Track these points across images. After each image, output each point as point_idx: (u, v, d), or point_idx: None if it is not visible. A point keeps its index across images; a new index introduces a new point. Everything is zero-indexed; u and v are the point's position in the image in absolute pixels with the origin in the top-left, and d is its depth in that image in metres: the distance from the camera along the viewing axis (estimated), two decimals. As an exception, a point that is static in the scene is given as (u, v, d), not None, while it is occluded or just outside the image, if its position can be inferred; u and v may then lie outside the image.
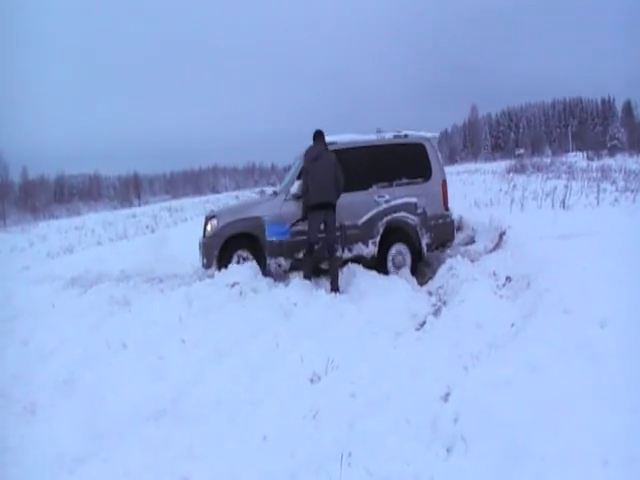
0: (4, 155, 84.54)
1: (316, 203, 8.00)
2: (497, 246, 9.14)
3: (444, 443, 3.76)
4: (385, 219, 8.81)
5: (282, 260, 8.55)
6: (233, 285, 7.39)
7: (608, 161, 38.01)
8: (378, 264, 8.80)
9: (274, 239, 8.39)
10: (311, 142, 8.32)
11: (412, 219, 8.90)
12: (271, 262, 8.50)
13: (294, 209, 8.55)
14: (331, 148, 8.28)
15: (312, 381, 4.96)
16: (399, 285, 7.97)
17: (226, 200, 35.23)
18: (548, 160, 40.76)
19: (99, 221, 33.07)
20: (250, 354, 5.48)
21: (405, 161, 9.10)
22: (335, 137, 8.52)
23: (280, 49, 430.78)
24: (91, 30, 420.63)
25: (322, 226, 8.08)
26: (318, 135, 8.31)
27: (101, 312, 7.26)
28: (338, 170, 8.00)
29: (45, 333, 6.60)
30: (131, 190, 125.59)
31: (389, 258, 8.95)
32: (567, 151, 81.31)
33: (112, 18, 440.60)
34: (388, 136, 9.23)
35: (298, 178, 8.69)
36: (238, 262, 8.40)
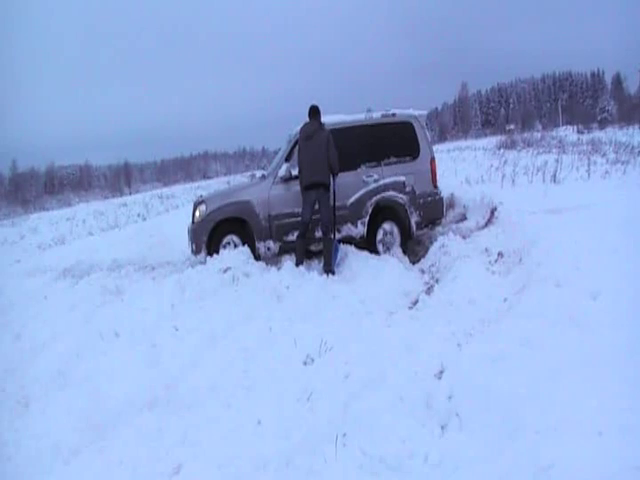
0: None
1: (307, 184, 7.95)
2: (489, 222, 9.13)
3: (439, 420, 3.77)
4: (374, 199, 8.76)
5: (271, 243, 8.50)
6: (225, 270, 7.35)
7: (598, 134, 38.16)
8: (368, 244, 8.77)
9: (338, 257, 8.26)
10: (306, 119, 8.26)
11: (401, 198, 8.86)
12: (260, 245, 8.46)
13: (282, 192, 8.50)
14: (319, 129, 8.17)
15: (306, 363, 4.94)
16: (391, 264, 7.95)
17: (217, 185, 35.06)
18: (538, 135, 40.79)
19: (90, 211, 32.93)
20: (244, 339, 5.44)
21: (393, 140, 9.04)
22: (323, 118, 8.43)
23: (269, 31, 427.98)
24: (79, 22, 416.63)
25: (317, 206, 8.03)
26: (313, 111, 8.20)
27: (93, 302, 7.21)
28: (331, 149, 7.90)
29: (38, 325, 6.57)
30: (122, 179, 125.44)
31: (378, 238, 8.91)
32: (557, 125, 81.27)
33: (99, 7, 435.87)
34: (376, 115, 9.15)
35: (286, 160, 8.64)
36: (225, 247, 8.34)
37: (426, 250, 8.79)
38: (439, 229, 9.55)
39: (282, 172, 8.47)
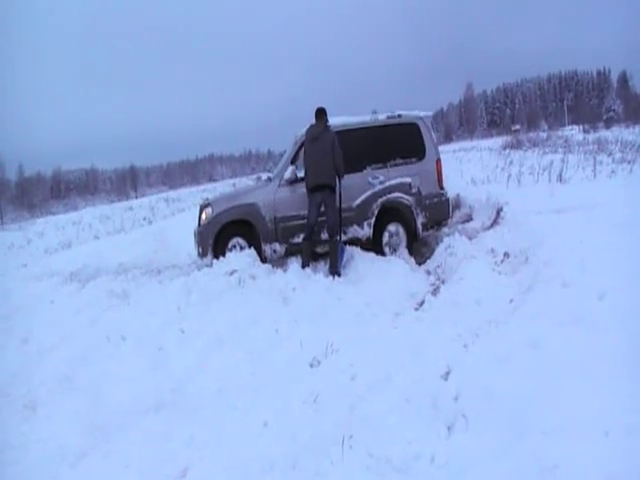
0: (0, 154, 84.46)
1: (313, 185, 7.95)
2: (495, 223, 9.10)
3: (445, 421, 3.76)
4: (380, 200, 8.75)
5: (277, 245, 8.51)
6: (231, 273, 7.35)
7: (604, 133, 38.07)
8: (374, 245, 8.76)
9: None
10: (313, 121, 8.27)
11: (407, 199, 8.85)
12: (266, 248, 8.46)
13: (288, 194, 8.51)
14: (325, 131, 8.17)
15: (312, 365, 4.95)
16: (397, 266, 7.94)
17: (223, 188, 35.10)
18: (544, 135, 40.74)
19: (96, 215, 33.09)
20: (250, 341, 5.45)
21: (399, 141, 9.03)
22: (329, 120, 8.42)
23: (274, 33, 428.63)
24: (84, 24, 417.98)
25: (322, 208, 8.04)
26: (319, 113, 8.19)
27: (100, 306, 7.22)
28: (336, 151, 7.90)
29: (44, 329, 6.58)
30: (128, 183, 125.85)
31: (384, 239, 8.89)
32: (563, 125, 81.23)
33: (103, 11, 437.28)
34: (381, 117, 9.14)
35: (292, 163, 8.64)
36: (231, 250, 8.35)
37: (432, 251, 8.77)
38: (445, 230, 9.51)
39: (288, 174, 8.47)
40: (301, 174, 8.35)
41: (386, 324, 5.92)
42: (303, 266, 7.84)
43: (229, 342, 5.50)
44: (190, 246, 9.38)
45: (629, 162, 14.52)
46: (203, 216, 8.63)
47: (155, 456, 3.73)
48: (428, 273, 8.03)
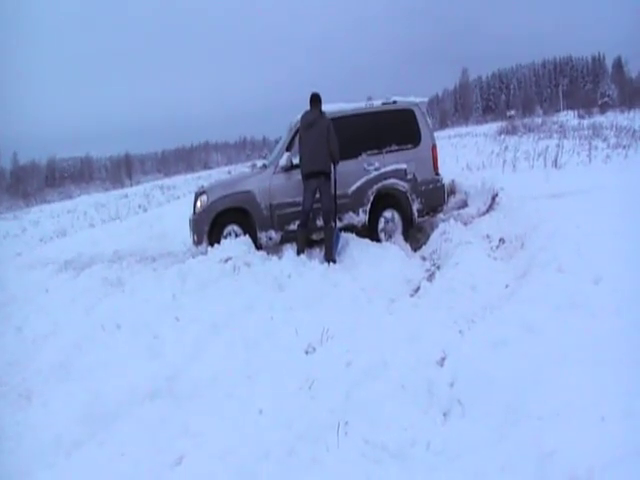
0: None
1: (308, 172, 7.92)
2: (490, 208, 9.10)
3: (441, 407, 3.77)
4: (375, 187, 8.73)
5: (273, 233, 8.48)
6: (226, 260, 7.34)
7: (599, 118, 37.96)
8: (369, 232, 8.74)
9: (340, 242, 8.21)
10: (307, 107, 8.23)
11: (402, 185, 8.83)
12: (262, 235, 8.43)
13: (283, 181, 8.48)
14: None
15: (307, 352, 4.95)
16: (392, 252, 7.93)
17: (218, 176, 34.94)
18: (539, 120, 40.56)
19: (91, 203, 32.92)
20: (245, 329, 5.44)
21: (394, 127, 8.99)
22: (324, 107, 8.38)
23: (268, 18, 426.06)
24: (79, 13, 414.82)
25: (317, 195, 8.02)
26: (314, 99, 8.16)
27: (95, 294, 7.20)
28: (331, 137, 7.87)
29: (39, 318, 6.56)
30: (123, 170, 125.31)
31: (380, 225, 8.89)
32: (558, 110, 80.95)
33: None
34: (377, 103, 9.11)
35: (287, 150, 8.60)
36: (226, 237, 8.31)
37: (427, 237, 8.78)
38: (440, 216, 9.52)
39: (283, 161, 8.43)
40: (296, 161, 8.32)
41: (381, 310, 5.92)
42: (298, 253, 7.84)
43: (224, 329, 5.49)
44: (185, 234, 9.35)
45: (624, 147, 14.48)
46: (198, 204, 8.60)
47: (150, 444, 3.70)
48: (423, 259, 8.03)
